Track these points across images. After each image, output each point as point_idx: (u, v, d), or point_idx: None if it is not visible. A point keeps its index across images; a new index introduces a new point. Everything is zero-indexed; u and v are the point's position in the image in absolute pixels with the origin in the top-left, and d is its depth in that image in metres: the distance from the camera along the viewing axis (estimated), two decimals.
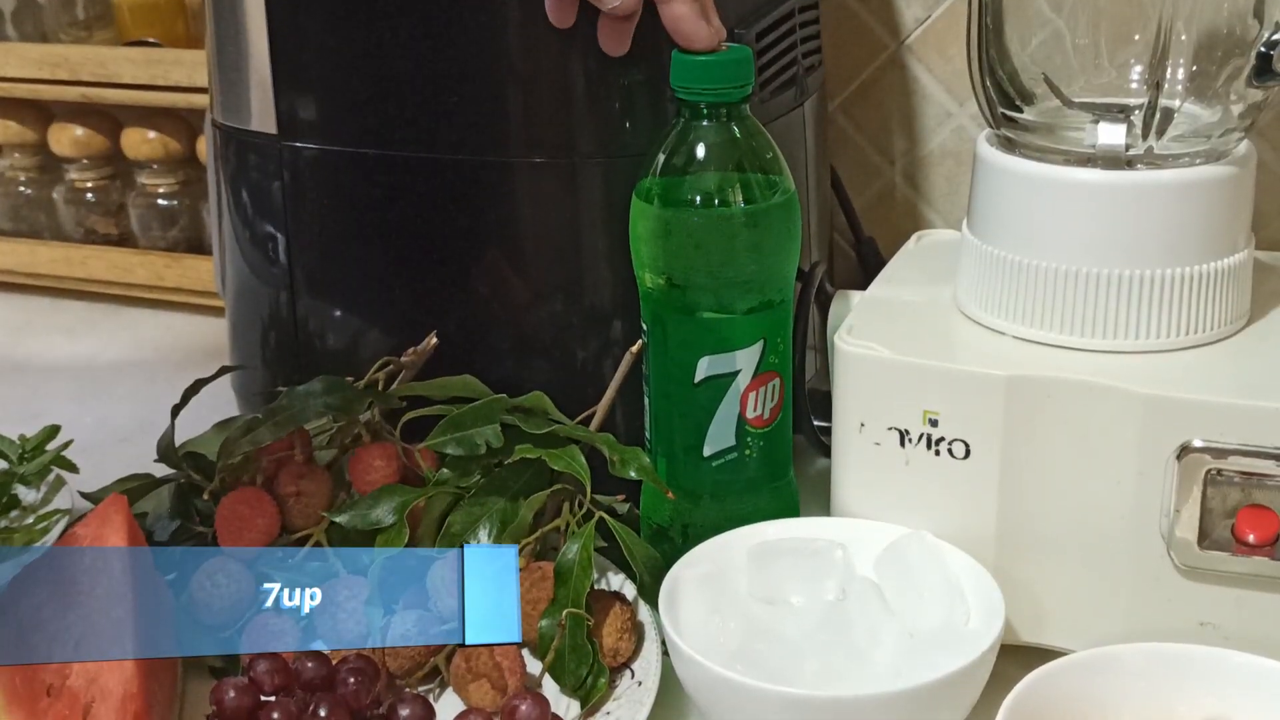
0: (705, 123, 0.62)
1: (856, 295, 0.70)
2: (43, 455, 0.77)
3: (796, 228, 0.64)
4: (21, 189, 1.14)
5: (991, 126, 0.65)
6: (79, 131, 1.09)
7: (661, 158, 0.63)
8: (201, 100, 1.01)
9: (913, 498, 0.62)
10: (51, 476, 0.78)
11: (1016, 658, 0.58)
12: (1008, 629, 0.58)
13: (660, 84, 0.67)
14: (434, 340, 0.73)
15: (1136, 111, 0.61)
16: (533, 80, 0.69)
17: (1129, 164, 0.61)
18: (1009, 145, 0.64)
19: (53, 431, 0.79)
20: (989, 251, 0.63)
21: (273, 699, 0.56)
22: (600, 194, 0.70)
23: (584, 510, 0.64)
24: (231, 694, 0.56)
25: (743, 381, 0.64)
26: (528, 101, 0.70)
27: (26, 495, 0.77)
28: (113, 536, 0.59)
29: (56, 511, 0.74)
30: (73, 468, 0.78)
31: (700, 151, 0.62)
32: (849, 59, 0.94)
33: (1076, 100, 0.64)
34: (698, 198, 0.62)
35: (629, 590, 0.65)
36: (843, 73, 0.94)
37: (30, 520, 0.74)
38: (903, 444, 0.61)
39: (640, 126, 0.69)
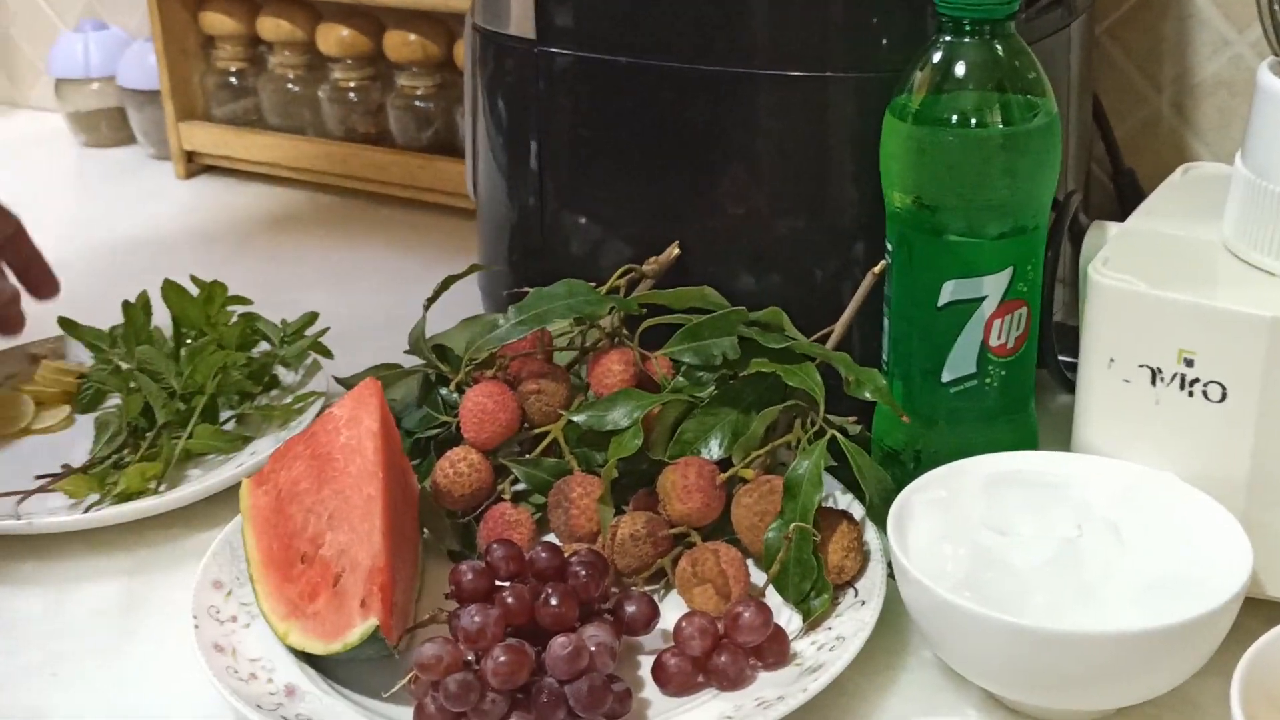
0: (967, 39, 0.60)
1: (1114, 226, 0.67)
2: (302, 340, 0.81)
3: (1056, 153, 0.62)
4: (290, 86, 1.19)
5: (1277, 55, 0.62)
6: (344, 32, 1.13)
7: (919, 74, 0.61)
8: (461, 4, 1.04)
9: (1160, 439, 0.59)
10: (309, 360, 0.82)
11: (1261, 612, 0.56)
12: (1253, 581, 0.56)
13: None
14: (676, 250, 0.74)
15: None
16: None
17: None
18: None
19: (312, 318, 0.83)
20: (1265, 187, 0.59)
21: (507, 584, 0.58)
22: (851, 111, 0.69)
23: (816, 428, 0.64)
24: (469, 576, 0.58)
25: (988, 308, 0.63)
26: (783, 14, 0.69)
27: (286, 376, 0.82)
28: (368, 418, 0.62)
29: (313, 394, 0.78)
30: (328, 353, 0.82)
31: (960, 69, 0.61)
32: None
33: None
34: (954, 117, 0.61)
35: (856, 511, 0.65)
36: None
37: (289, 400, 0.79)
38: (1154, 382, 0.59)
39: (896, 43, 0.67)
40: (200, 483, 0.71)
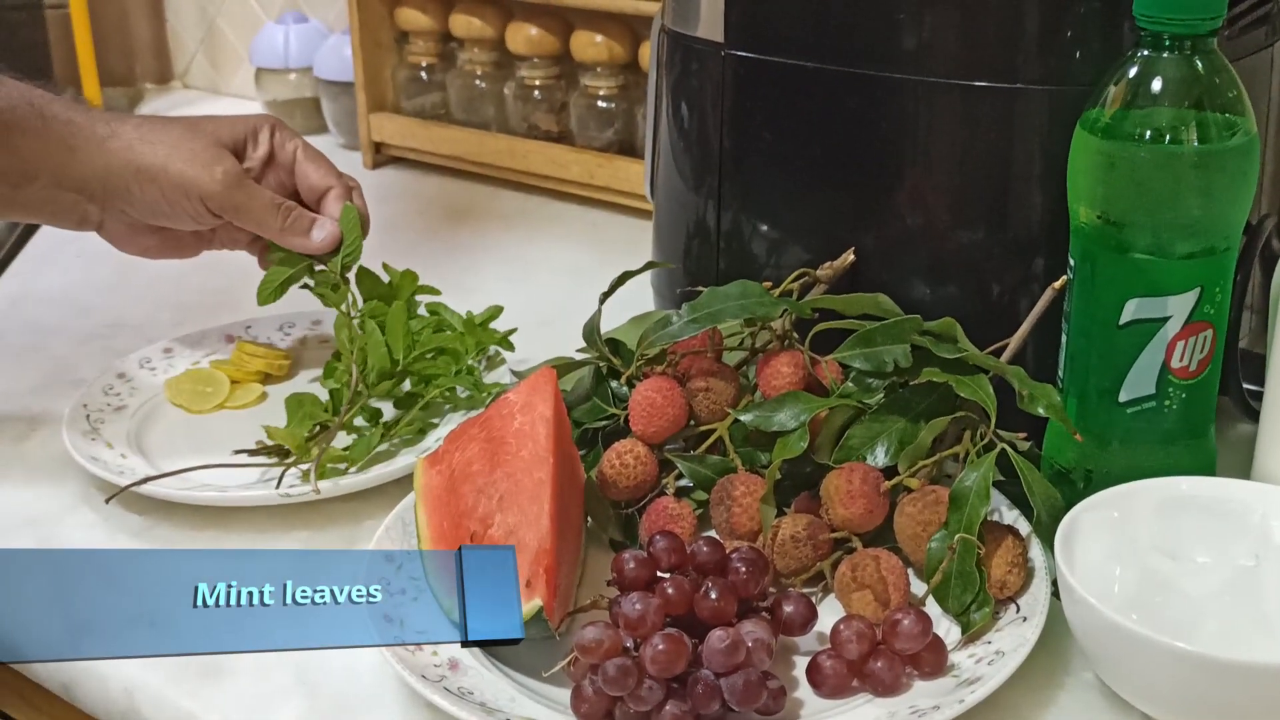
0: (1166, 55, 0.59)
1: None
2: (487, 333, 0.83)
3: (1253, 174, 0.61)
4: (477, 82, 1.22)
5: None
6: (533, 31, 1.16)
7: (1113, 89, 0.61)
8: (648, 8, 1.05)
9: None
10: (492, 352, 0.84)
11: None
12: None
13: (1118, 12, 0.65)
14: (851, 257, 0.74)
15: None
16: (983, 2, 0.68)
17: None
18: None
19: (496, 311, 0.85)
20: None
21: (668, 575, 0.59)
22: (1040, 123, 0.68)
23: (985, 441, 0.64)
24: (631, 565, 0.59)
25: (1172, 329, 0.61)
26: (976, 24, 0.68)
27: None
28: (541, 405, 0.64)
29: (497, 384, 0.80)
30: (510, 347, 0.83)
31: (1157, 85, 0.60)
32: None
33: None
34: (1147, 133, 0.60)
35: (1022, 527, 0.64)
36: None
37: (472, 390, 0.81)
38: None
39: (1090, 56, 0.66)
40: (386, 466, 0.74)
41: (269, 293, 0.80)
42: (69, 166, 0.76)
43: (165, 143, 0.77)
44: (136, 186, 0.77)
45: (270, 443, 0.76)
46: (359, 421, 0.77)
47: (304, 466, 0.73)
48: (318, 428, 0.76)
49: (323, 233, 0.78)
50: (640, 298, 0.85)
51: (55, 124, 0.75)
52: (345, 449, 0.75)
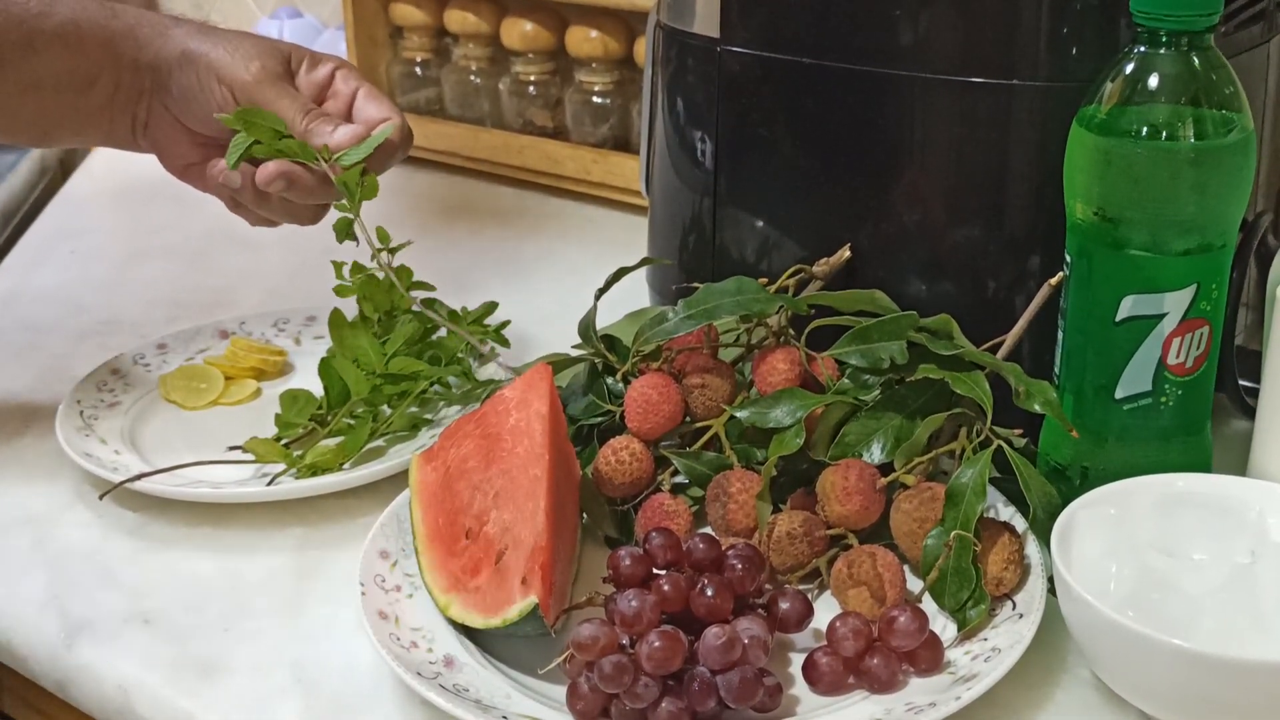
0: (1163, 51, 0.59)
1: None
2: (482, 328, 0.83)
3: (1249, 171, 0.61)
4: (472, 78, 1.21)
5: None
6: (528, 26, 1.16)
7: (1110, 85, 0.61)
8: (644, 3, 1.05)
9: None
10: (487, 349, 0.84)
11: None
12: None
13: (1114, 9, 0.64)
14: (847, 253, 0.74)
15: None
16: None
17: None
18: None
19: (491, 307, 0.84)
20: None
21: (664, 572, 0.59)
22: (1036, 120, 0.68)
23: (982, 437, 0.64)
24: (628, 561, 0.59)
25: (1168, 325, 0.61)
26: (972, 20, 0.68)
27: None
28: (537, 401, 0.64)
29: (493, 381, 0.80)
30: (506, 343, 0.83)
31: (1154, 81, 0.60)
32: None
33: None
34: (1144, 129, 0.59)
35: (1018, 524, 0.64)
36: None
37: (468, 386, 0.80)
38: None
39: (1088, 53, 0.66)
40: (382, 462, 0.74)
41: (235, 157, 0.75)
42: (129, 58, 0.76)
43: (220, 35, 0.78)
44: (178, 69, 0.77)
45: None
46: (349, 420, 0.77)
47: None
48: (303, 430, 0.76)
49: (347, 132, 0.76)
50: (636, 294, 0.85)
51: (125, 15, 0.77)
52: (336, 445, 0.74)
